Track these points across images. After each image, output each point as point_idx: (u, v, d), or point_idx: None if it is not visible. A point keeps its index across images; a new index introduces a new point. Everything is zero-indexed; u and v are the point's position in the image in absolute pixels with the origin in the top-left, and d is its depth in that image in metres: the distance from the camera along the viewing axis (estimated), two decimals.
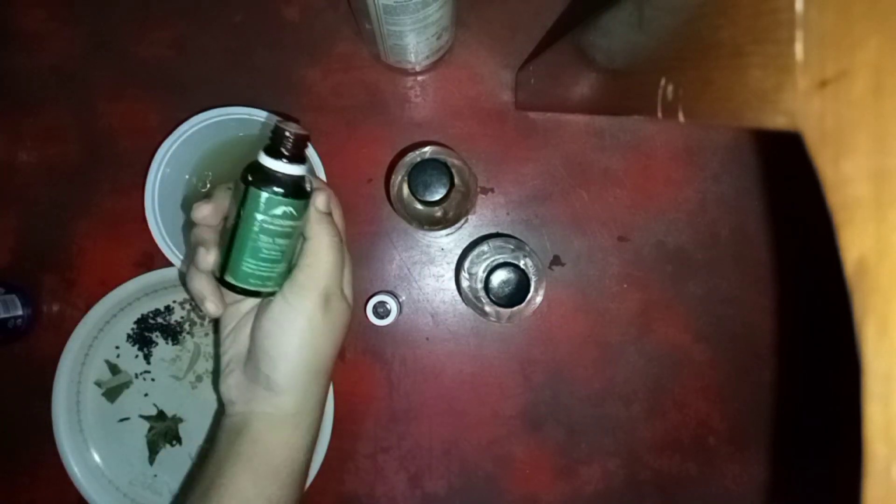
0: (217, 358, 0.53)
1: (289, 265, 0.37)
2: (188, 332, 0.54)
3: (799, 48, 0.15)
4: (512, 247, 0.47)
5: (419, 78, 0.54)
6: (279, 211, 0.34)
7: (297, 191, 0.35)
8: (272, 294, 0.37)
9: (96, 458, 0.53)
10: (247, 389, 0.37)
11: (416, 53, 0.49)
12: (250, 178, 0.34)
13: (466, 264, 0.48)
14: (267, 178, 0.34)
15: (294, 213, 0.35)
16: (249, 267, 0.35)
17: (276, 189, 0.34)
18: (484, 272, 0.46)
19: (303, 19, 0.55)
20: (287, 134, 0.34)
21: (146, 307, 0.54)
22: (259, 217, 0.34)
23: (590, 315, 0.54)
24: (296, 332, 0.35)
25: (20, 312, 0.52)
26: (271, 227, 0.34)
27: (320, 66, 0.54)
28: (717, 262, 0.54)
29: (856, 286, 0.13)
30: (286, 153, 0.34)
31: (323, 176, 0.48)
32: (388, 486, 0.54)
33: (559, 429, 0.54)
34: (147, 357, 0.54)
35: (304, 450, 0.37)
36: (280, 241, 0.35)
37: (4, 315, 0.51)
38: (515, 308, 0.44)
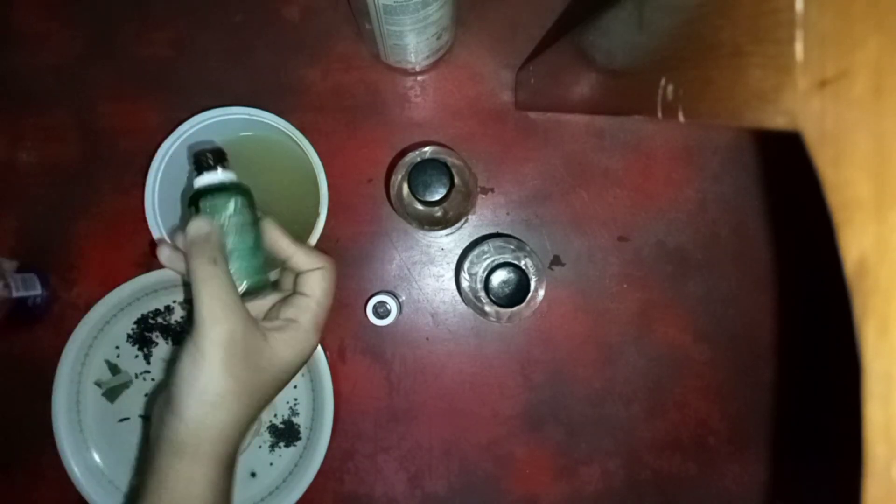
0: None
1: (264, 253, 0.39)
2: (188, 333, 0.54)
3: (799, 48, 0.15)
4: (512, 247, 0.47)
5: (419, 78, 0.54)
6: (231, 207, 0.36)
7: (234, 185, 0.38)
8: (266, 285, 0.38)
9: (96, 458, 0.53)
10: (162, 411, 0.36)
11: (416, 53, 0.49)
12: (197, 201, 0.37)
13: (466, 264, 0.48)
14: (206, 191, 0.37)
15: (244, 200, 0.37)
16: (233, 269, 0.36)
17: (216, 193, 0.37)
18: (484, 272, 0.46)
19: (303, 19, 0.55)
20: (206, 153, 0.37)
21: (146, 307, 0.54)
22: (218, 223, 0.36)
23: (590, 315, 0.54)
24: (197, 377, 0.33)
25: (39, 291, 0.52)
26: (233, 225, 0.36)
27: (320, 66, 0.54)
28: (717, 261, 0.54)
29: (856, 286, 0.13)
30: (211, 165, 0.37)
31: (323, 176, 0.48)
32: (388, 486, 0.54)
33: (559, 429, 0.54)
34: (147, 357, 0.54)
35: (207, 483, 0.35)
36: (246, 234, 0.37)
37: (24, 293, 0.51)
38: (515, 308, 0.44)
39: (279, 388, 0.37)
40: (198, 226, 0.35)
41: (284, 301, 0.38)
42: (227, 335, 0.33)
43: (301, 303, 0.37)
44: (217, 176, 0.37)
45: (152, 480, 0.34)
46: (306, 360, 0.38)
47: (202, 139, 0.50)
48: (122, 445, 0.53)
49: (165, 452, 0.34)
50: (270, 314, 0.38)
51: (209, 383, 0.33)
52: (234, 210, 0.37)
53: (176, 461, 0.34)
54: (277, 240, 0.38)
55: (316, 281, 0.38)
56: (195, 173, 0.38)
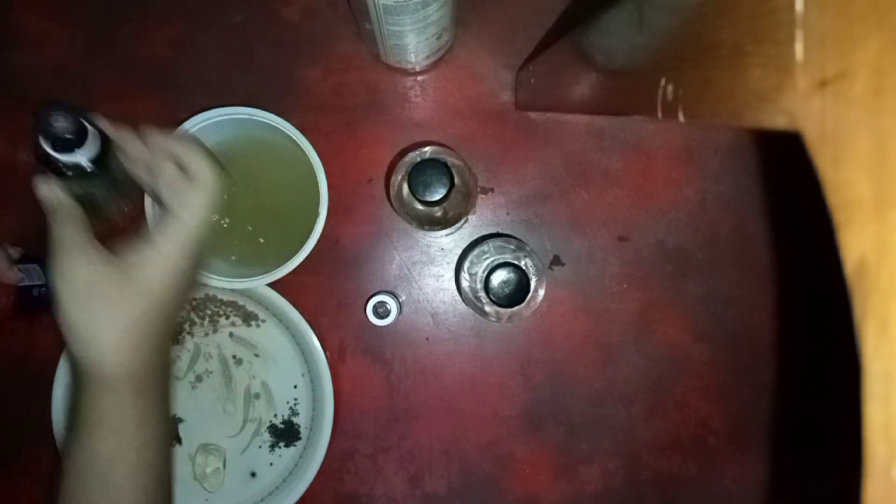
0: None
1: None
2: (188, 332, 0.54)
3: (799, 48, 0.15)
4: (512, 247, 0.47)
5: (419, 78, 0.54)
6: (92, 187, 0.37)
7: (94, 172, 0.37)
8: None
9: None
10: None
11: (416, 53, 0.49)
12: (54, 165, 0.37)
13: (466, 264, 0.48)
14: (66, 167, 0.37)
15: (104, 176, 0.38)
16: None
17: (77, 176, 0.37)
18: (484, 272, 0.46)
19: (303, 19, 0.55)
20: (63, 135, 0.36)
21: None
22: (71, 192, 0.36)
23: (590, 315, 0.54)
24: (78, 333, 0.35)
25: (43, 282, 0.53)
26: (89, 193, 0.37)
27: (320, 66, 0.54)
28: (717, 262, 0.54)
29: (856, 286, 0.13)
30: (72, 144, 0.36)
31: (323, 176, 0.48)
32: (388, 486, 0.54)
33: (559, 429, 0.54)
34: None
35: (139, 410, 0.36)
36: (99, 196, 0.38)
37: (28, 283, 0.51)
38: (515, 308, 0.44)
39: (171, 307, 0.38)
40: (49, 191, 0.36)
41: (160, 222, 0.38)
42: (80, 285, 0.35)
43: (166, 227, 0.37)
44: (77, 158, 0.36)
45: (87, 410, 0.36)
46: (187, 281, 0.38)
47: (202, 139, 0.50)
48: None
49: (85, 392, 0.36)
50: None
51: (90, 337, 0.35)
52: (97, 188, 0.37)
53: (100, 399, 0.35)
54: (160, 142, 0.38)
55: (185, 200, 0.37)
56: (49, 139, 0.36)
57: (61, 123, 0.35)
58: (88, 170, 0.37)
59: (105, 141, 0.38)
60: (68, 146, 0.36)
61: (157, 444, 0.37)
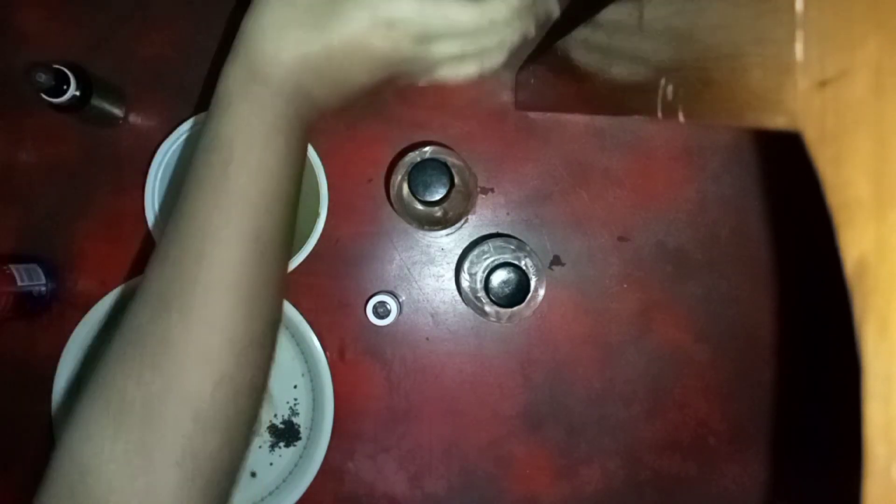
0: None
1: None
2: None
3: (799, 48, 0.15)
4: (512, 247, 0.47)
5: None
6: None
7: None
8: None
9: None
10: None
11: None
12: None
13: (466, 264, 0.48)
14: None
15: None
16: None
17: None
18: (484, 272, 0.46)
19: None
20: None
21: None
22: None
23: (590, 315, 0.54)
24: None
25: (43, 281, 0.52)
26: None
27: None
28: (717, 262, 0.54)
29: (856, 286, 0.13)
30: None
31: (323, 176, 0.48)
32: (388, 486, 0.54)
33: (559, 429, 0.54)
34: None
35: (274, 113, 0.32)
36: None
37: (28, 284, 0.51)
38: (515, 308, 0.44)
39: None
40: None
41: None
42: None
43: None
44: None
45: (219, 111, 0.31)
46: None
47: None
48: None
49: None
50: None
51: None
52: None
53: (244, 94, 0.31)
54: None
55: None
56: None
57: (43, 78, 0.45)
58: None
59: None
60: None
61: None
